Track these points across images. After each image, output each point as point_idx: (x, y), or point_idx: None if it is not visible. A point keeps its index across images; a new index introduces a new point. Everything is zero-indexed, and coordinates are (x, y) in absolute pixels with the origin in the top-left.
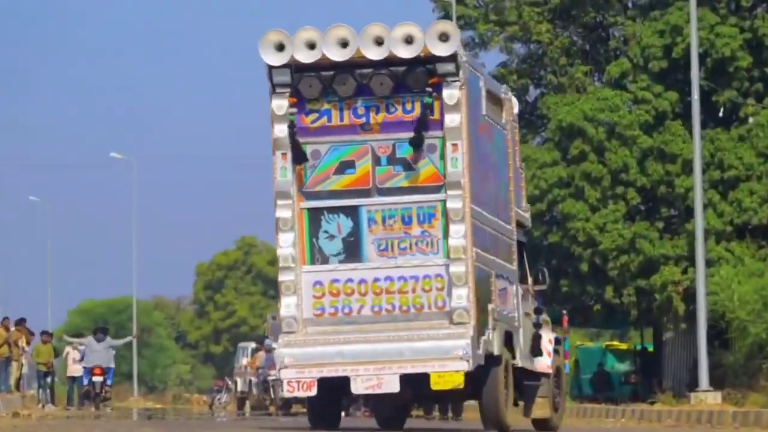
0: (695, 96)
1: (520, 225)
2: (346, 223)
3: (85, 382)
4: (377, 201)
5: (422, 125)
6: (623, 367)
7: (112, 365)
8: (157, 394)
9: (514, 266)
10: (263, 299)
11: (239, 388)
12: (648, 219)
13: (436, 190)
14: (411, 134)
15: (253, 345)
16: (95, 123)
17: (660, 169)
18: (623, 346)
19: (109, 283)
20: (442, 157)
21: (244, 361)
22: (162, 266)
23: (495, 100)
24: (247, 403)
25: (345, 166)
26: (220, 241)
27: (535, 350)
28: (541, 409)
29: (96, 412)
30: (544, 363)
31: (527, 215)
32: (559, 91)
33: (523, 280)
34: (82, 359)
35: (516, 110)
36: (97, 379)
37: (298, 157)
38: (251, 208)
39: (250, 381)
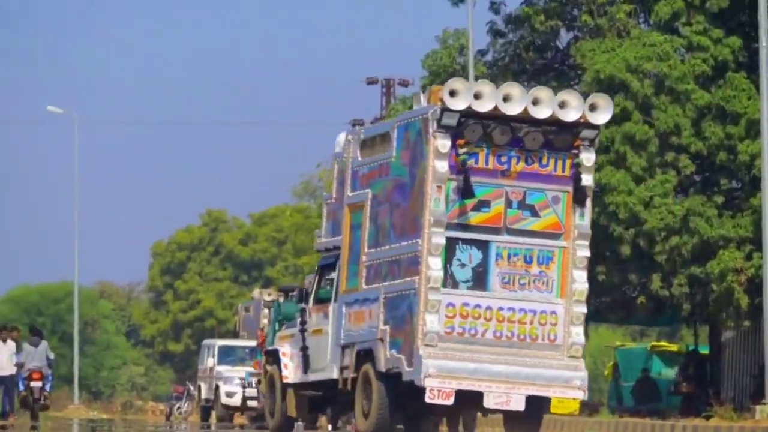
0: (763, 42)
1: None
2: (476, 255)
3: (21, 387)
4: (505, 239)
5: (578, 182)
6: (672, 373)
7: (51, 369)
8: (103, 401)
9: None
10: (234, 286)
11: (203, 395)
12: (704, 192)
13: (556, 237)
14: (540, 185)
15: (221, 343)
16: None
17: (719, 132)
18: (672, 348)
19: (45, 266)
20: (565, 209)
21: (210, 361)
22: (110, 246)
23: None
24: (213, 413)
25: (481, 205)
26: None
27: None
28: None
29: (33, 422)
30: None
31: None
32: (596, 36)
33: None
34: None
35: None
36: (36, 384)
37: (468, 193)
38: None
39: (217, 386)
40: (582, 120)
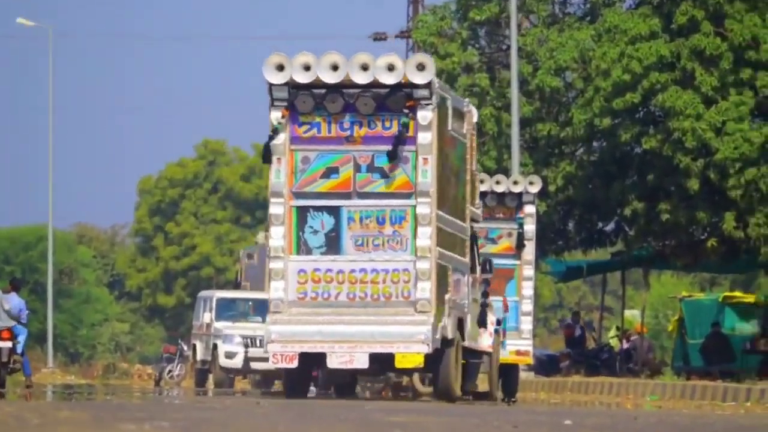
0: None
1: (473, 220)
2: (328, 221)
3: None
4: (356, 203)
5: (399, 141)
6: (748, 328)
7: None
8: (82, 364)
9: (467, 259)
10: (235, 229)
11: (199, 356)
12: None
13: (408, 196)
14: (389, 147)
15: (219, 295)
16: None
17: None
18: (749, 299)
19: (14, 207)
20: (414, 168)
21: (206, 317)
22: (90, 183)
23: (458, 115)
24: (210, 377)
25: (330, 172)
26: (175, 146)
27: (482, 322)
28: (482, 383)
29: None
30: (485, 343)
31: (479, 211)
32: None
33: (472, 269)
34: None
35: (475, 120)
36: (5, 344)
37: (267, 158)
38: (218, 101)
39: (215, 346)
40: (404, 81)
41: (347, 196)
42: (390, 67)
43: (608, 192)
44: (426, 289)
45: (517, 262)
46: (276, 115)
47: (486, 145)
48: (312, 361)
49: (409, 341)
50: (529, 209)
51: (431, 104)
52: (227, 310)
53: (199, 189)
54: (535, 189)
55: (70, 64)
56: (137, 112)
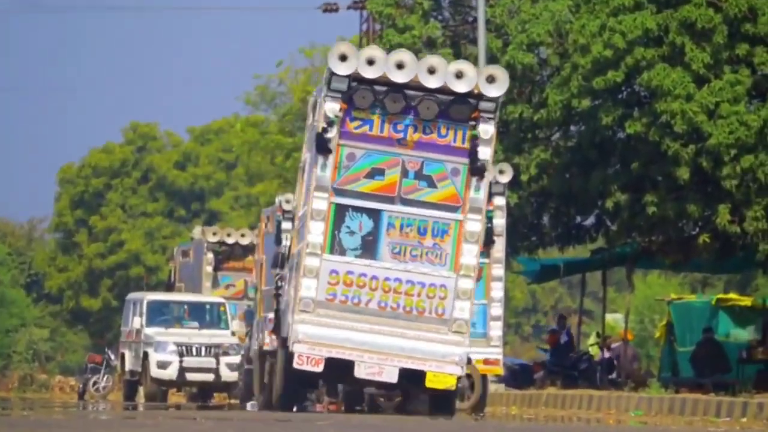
0: None
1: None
2: (367, 223)
3: None
4: (399, 209)
5: (475, 155)
6: (745, 334)
7: None
8: None
9: None
10: (168, 223)
11: (128, 367)
12: None
13: (453, 209)
14: (439, 156)
15: (151, 297)
16: None
17: None
18: (745, 302)
19: None
20: (464, 182)
21: (136, 322)
22: (4, 172)
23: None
24: (141, 389)
25: (375, 173)
26: (99, 130)
27: None
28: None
29: None
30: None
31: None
32: None
33: None
34: None
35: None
36: None
37: (323, 148)
38: (148, 80)
39: (145, 355)
40: (476, 91)
41: (390, 200)
42: (459, 74)
43: (588, 182)
44: (465, 310)
45: (486, 261)
46: (332, 107)
47: None
48: (337, 368)
49: (443, 361)
50: (499, 201)
51: (494, 119)
52: (159, 314)
53: (127, 178)
54: (505, 179)
55: None
56: (58, 92)
